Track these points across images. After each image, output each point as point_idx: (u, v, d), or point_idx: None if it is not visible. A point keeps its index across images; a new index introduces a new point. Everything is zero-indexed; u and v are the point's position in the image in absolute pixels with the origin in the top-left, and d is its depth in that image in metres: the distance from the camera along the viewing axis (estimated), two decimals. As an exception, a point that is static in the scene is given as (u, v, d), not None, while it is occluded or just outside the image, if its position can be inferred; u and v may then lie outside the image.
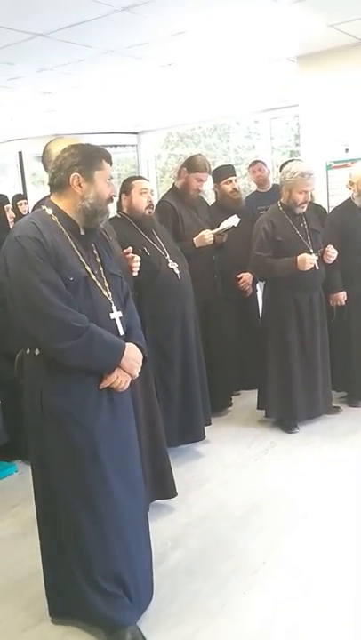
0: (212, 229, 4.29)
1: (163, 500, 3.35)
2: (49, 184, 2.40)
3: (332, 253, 4.16)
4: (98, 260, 2.40)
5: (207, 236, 4.22)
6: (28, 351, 2.29)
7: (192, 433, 3.94)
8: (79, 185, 2.29)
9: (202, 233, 4.22)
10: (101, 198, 2.32)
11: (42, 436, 2.30)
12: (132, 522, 2.39)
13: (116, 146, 9.12)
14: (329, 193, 5.31)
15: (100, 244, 2.48)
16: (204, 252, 4.28)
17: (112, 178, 2.39)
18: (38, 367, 2.27)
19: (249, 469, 3.79)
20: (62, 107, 6.74)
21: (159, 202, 4.38)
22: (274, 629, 2.35)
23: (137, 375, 2.41)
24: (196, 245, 4.21)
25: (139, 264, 3.36)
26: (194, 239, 4.21)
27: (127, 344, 2.36)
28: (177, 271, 3.77)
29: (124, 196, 3.78)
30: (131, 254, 3.33)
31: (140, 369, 2.41)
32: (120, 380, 2.31)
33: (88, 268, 2.31)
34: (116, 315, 2.37)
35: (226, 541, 2.99)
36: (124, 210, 3.80)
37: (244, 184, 7.03)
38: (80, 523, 2.28)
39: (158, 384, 3.75)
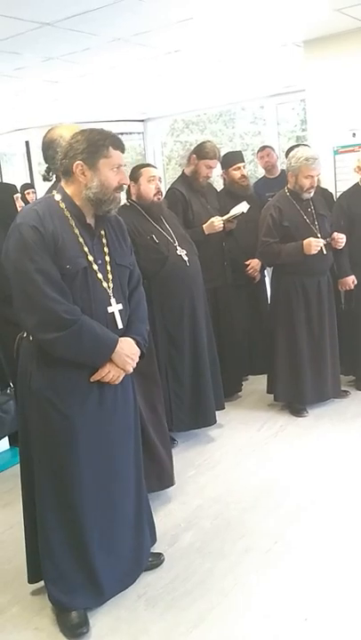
0: (221, 216, 4.31)
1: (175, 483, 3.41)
2: (59, 170, 2.38)
3: (340, 239, 4.17)
4: (105, 249, 2.38)
5: (217, 222, 4.23)
6: (24, 334, 2.35)
7: (203, 418, 3.98)
8: (82, 173, 2.27)
9: (211, 220, 4.23)
10: (106, 187, 2.29)
11: (26, 418, 2.36)
12: (109, 509, 2.43)
13: (122, 133, 9.08)
14: (336, 178, 5.30)
15: (113, 232, 2.46)
16: (213, 238, 4.29)
17: (122, 165, 2.34)
18: (31, 351, 2.31)
19: (259, 453, 3.83)
20: (69, 95, 6.74)
21: (169, 189, 4.39)
22: (287, 607, 2.40)
23: (131, 371, 2.41)
24: (206, 232, 4.23)
25: None
26: (203, 226, 4.23)
27: (122, 339, 2.36)
28: (185, 258, 3.78)
29: (132, 183, 3.78)
30: None
31: (134, 365, 2.41)
32: (112, 374, 2.33)
33: (91, 258, 2.30)
34: (114, 307, 2.36)
35: (237, 522, 3.05)
36: (133, 197, 3.81)
37: (251, 170, 7.02)
38: (48, 506, 2.34)
39: (168, 370, 3.80)
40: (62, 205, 2.30)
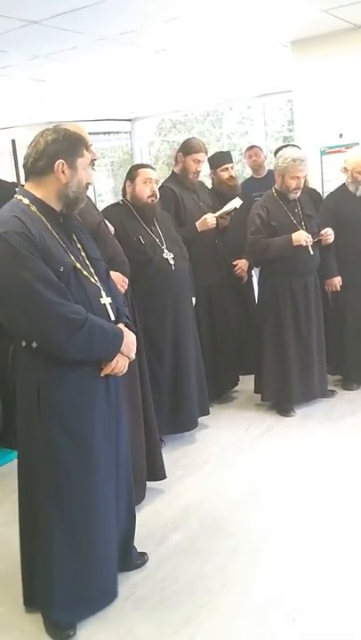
0: (213, 213, 4.30)
1: (162, 483, 3.41)
2: (26, 170, 2.32)
3: (329, 234, 4.19)
4: (79, 245, 2.38)
5: (210, 219, 4.22)
6: (23, 344, 2.24)
7: (181, 423, 3.96)
8: (62, 172, 2.26)
9: (204, 217, 4.22)
10: (82, 186, 2.33)
11: (36, 430, 2.26)
12: (109, 512, 2.42)
13: (109, 133, 9.11)
14: (323, 178, 5.32)
15: (79, 229, 2.45)
16: (206, 236, 4.27)
17: (89, 165, 2.41)
18: (35, 361, 2.22)
19: (247, 452, 3.84)
20: (55, 94, 6.71)
21: (160, 187, 4.35)
22: (275, 607, 2.40)
23: (134, 357, 2.43)
24: (199, 229, 4.21)
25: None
26: (196, 223, 4.21)
27: (123, 328, 2.38)
28: (171, 261, 3.75)
29: (128, 183, 3.76)
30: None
31: (135, 349, 2.43)
32: (120, 364, 2.34)
33: (72, 257, 2.28)
34: (105, 300, 2.36)
35: (225, 522, 3.05)
36: (128, 197, 3.78)
37: (238, 170, 7.03)
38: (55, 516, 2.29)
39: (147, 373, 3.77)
40: (33, 208, 2.24)
